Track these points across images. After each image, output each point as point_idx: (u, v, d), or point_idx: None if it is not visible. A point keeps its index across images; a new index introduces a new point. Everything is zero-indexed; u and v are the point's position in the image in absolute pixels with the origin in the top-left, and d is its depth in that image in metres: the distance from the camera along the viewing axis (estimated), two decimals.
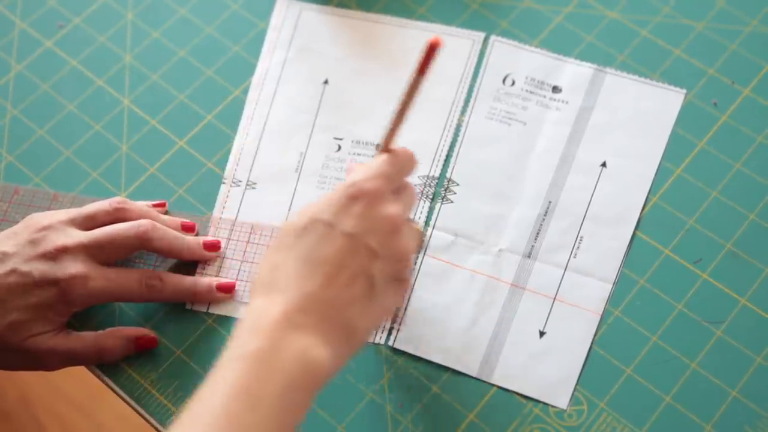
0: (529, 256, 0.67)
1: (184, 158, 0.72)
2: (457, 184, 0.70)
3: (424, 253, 0.67)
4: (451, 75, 0.74)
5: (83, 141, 0.73)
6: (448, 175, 0.70)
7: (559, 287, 0.66)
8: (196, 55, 0.76)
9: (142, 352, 0.65)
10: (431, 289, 0.66)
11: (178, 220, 0.68)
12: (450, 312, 0.65)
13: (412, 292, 0.66)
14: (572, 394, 0.62)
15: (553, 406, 0.62)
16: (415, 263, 0.67)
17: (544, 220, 0.68)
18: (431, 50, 0.52)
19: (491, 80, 0.73)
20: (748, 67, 0.73)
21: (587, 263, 0.67)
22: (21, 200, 0.71)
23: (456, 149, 0.71)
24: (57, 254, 0.61)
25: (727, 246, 0.67)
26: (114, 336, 0.63)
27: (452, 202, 0.69)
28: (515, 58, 0.74)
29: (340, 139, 0.72)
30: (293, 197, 0.70)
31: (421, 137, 0.71)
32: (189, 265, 0.67)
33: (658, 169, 0.69)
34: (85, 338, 0.63)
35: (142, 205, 0.67)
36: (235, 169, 0.71)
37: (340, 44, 0.76)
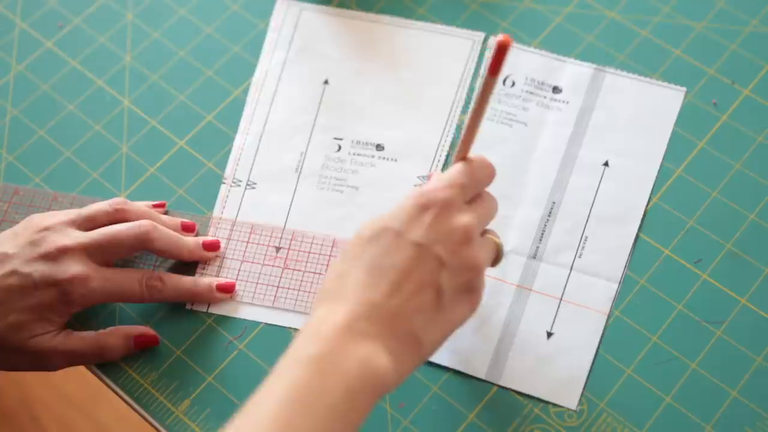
0: (534, 257, 0.67)
1: (184, 158, 0.72)
2: None
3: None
4: (452, 75, 0.74)
5: (83, 141, 0.73)
6: None
7: (565, 288, 0.66)
8: (196, 55, 0.76)
9: (142, 352, 0.65)
10: None
11: (177, 220, 0.68)
12: None
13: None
14: (581, 394, 0.62)
15: (561, 407, 0.62)
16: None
17: (548, 220, 0.68)
18: (501, 50, 0.50)
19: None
20: (748, 67, 0.73)
21: (593, 263, 0.66)
22: (21, 200, 0.71)
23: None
24: (57, 255, 0.61)
25: (727, 246, 0.67)
26: (115, 334, 0.64)
27: None
28: (515, 59, 0.74)
29: (340, 140, 0.72)
30: (293, 197, 0.70)
31: (421, 137, 0.71)
32: (189, 265, 0.67)
33: (659, 169, 0.69)
34: (86, 338, 0.63)
35: (142, 205, 0.67)
36: (235, 169, 0.71)
37: (340, 44, 0.76)
